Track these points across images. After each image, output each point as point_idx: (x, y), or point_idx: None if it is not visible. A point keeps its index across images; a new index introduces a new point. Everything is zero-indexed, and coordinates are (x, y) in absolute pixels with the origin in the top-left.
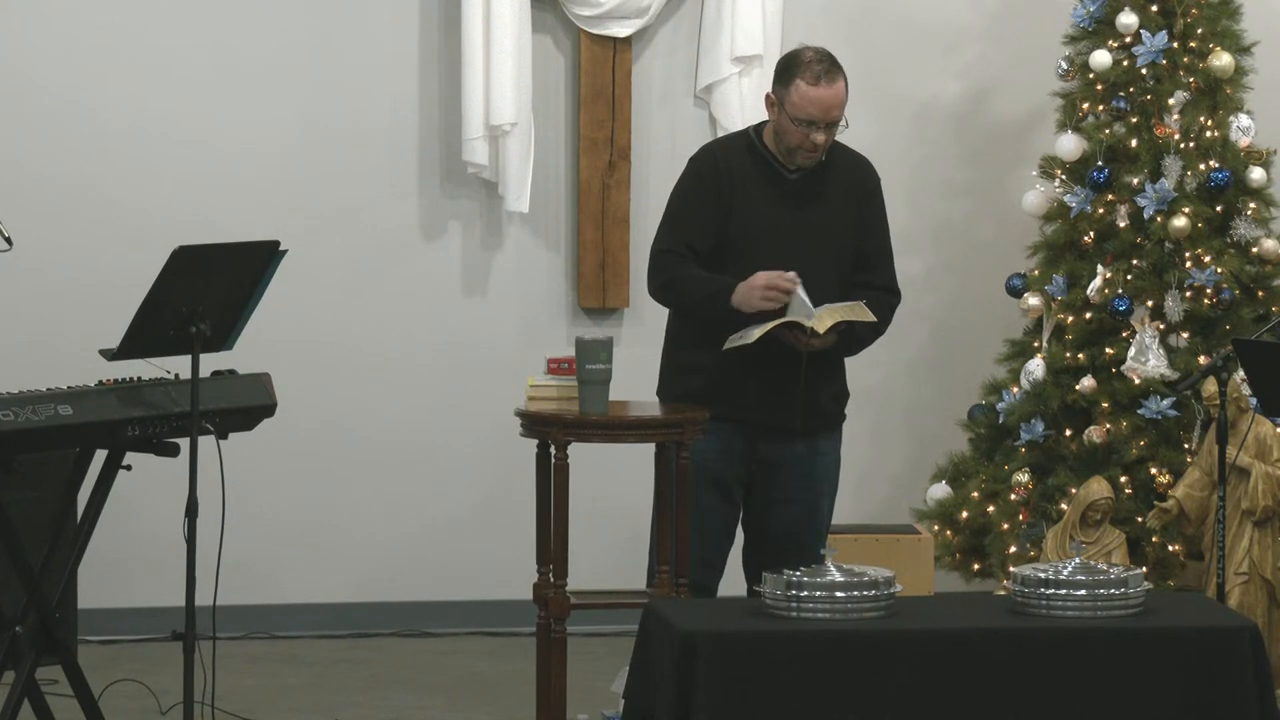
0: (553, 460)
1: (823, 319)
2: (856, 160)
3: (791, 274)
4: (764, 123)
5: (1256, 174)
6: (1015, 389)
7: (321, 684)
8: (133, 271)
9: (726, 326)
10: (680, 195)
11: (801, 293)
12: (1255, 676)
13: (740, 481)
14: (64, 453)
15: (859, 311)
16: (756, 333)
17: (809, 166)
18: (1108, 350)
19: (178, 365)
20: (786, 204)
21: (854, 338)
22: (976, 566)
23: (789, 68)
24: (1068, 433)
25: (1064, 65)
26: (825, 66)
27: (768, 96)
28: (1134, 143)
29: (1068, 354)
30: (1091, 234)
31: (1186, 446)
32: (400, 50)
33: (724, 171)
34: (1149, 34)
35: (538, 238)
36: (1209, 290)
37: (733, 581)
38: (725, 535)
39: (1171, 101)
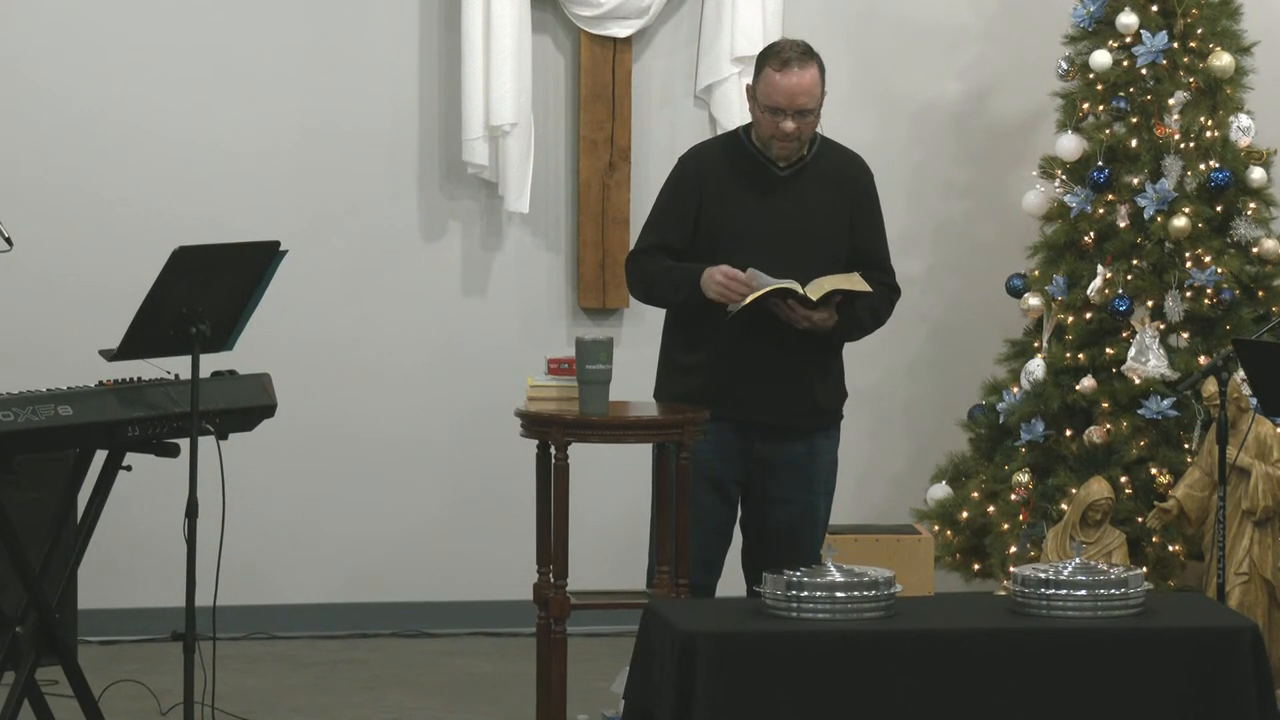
0: (553, 460)
1: (817, 286)
2: (848, 157)
3: (746, 274)
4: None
5: (1256, 174)
6: (1015, 389)
7: (321, 684)
8: (133, 271)
9: (710, 319)
10: (659, 199)
11: (761, 275)
12: (1255, 676)
13: (737, 482)
14: (64, 453)
15: (854, 281)
16: (750, 296)
17: (789, 158)
18: (1108, 350)
19: (178, 365)
20: (772, 200)
21: (853, 322)
22: (976, 566)
23: (762, 57)
24: (1068, 433)
25: (1064, 65)
26: (796, 55)
27: (746, 88)
28: (1134, 143)
29: (1068, 354)
30: (1091, 234)
31: (1186, 446)
32: (400, 50)
33: (704, 170)
34: (1149, 34)
35: (538, 238)
36: (1209, 290)
37: (732, 581)
38: (723, 535)
39: (1171, 102)
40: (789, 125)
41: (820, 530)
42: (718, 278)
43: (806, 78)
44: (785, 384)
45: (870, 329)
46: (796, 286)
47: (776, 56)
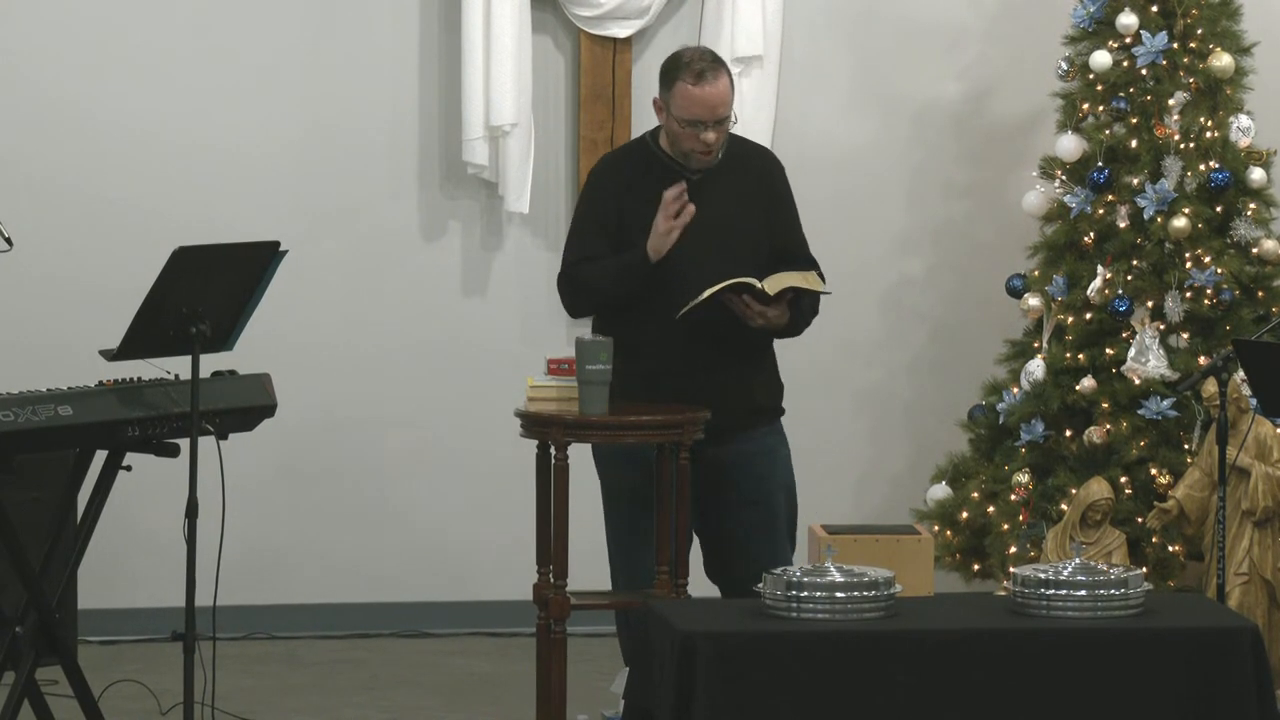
0: (553, 460)
1: (775, 281)
2: (756, 152)
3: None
4: (660, 126)
5: (1256, 174)
6: (1015, 389)
7: (321, 684)
8: (133, 271)
9: (648, 323)
10: (577, 214)
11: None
12: (1255, 676)
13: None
14: (64, 453)
15: (811, 280)
16: (708, 291)
17: (707, 167)
18: (1108, 351)
19: (178, 365)
20: (690, 204)
21: (799, 316)
22: (976, 567)
23: (670, 70)
24: (1068, 433)
25: (1064, 66)
26: (706, 64)
27: (655, 101)
28: (1134, 143)
29: (1068, 354)
30: (1091, 234)
31: (1186, 447)
32: (400, 50)
33: (618, 181)
34: (1149, 35)
35: (538, 238)
36: (1209, 291)
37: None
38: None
39: (1171, 102)
40: (709, 136)
41: (782, 526)
42: (659, 218)
43: (721, 86)
44: (729, 384)
45: (808, 323)
46: (754, 281)
47: (688, 69)
